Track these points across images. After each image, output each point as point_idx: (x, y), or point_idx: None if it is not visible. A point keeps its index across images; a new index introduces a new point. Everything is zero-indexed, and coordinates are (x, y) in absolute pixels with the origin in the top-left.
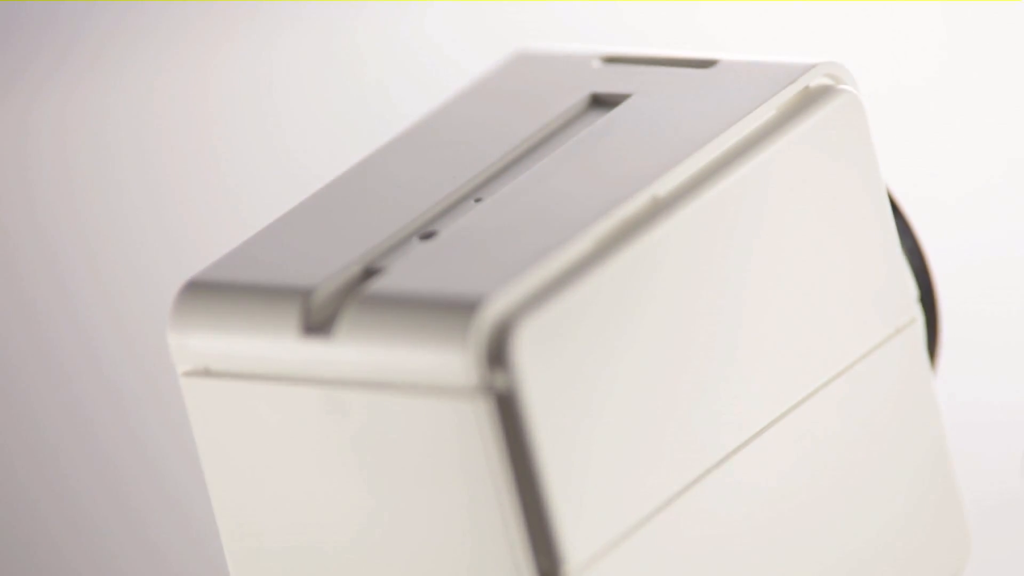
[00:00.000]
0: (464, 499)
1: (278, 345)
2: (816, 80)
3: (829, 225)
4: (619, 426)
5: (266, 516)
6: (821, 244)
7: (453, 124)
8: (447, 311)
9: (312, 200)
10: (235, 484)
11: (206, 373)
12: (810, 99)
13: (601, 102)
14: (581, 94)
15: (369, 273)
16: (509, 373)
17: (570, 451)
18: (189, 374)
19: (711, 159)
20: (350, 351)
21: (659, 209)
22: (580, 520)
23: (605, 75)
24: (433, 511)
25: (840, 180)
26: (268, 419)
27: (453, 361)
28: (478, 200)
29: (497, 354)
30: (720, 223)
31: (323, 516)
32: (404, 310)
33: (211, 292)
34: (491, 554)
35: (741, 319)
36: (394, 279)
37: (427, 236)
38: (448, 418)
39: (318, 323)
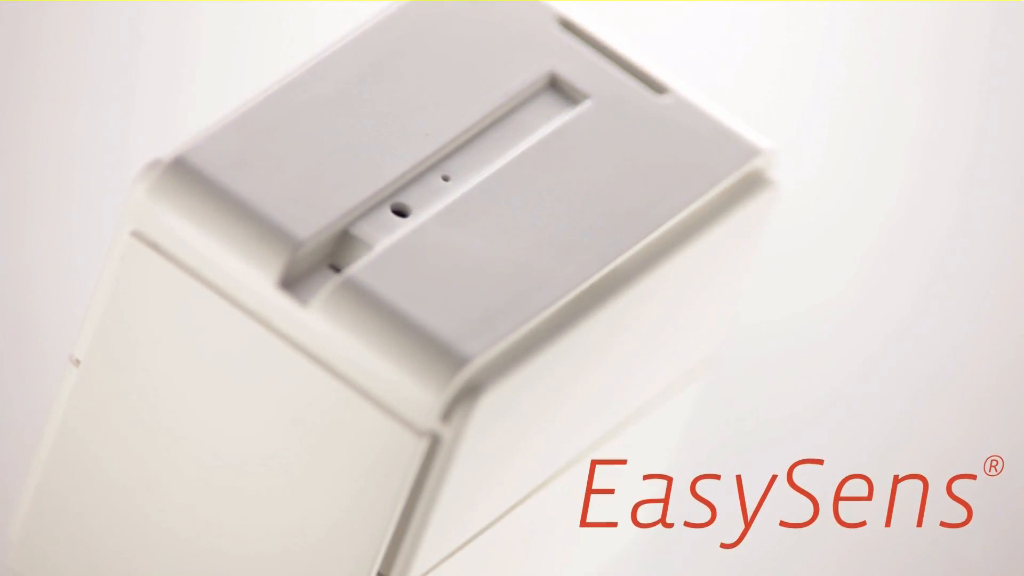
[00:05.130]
0: (351, 493)
1: (248, 278)
2: (755, 164)
3: (712, 293)
4: (510, 480)
5: (128, 405)
6: (700, 305)
7: (410, 59)
8: (429, 351)
9: (289, 96)
10: (118, 358)
11: (155, 246)
12: (747, 186)
13: (558, 89)
14: (540, 69)
15: (351, 241)
16: (458, 431)
17: (464, 498)
18: (137, 235)
19: (658, 239)
20: (317, 326)
21: (613, 286)
22: (432, 549)
23: (563, 52)
24: (311, 483)
25: (741, 257)
26: (197, 322)
27: (418, 397)
28: (446, 178)
29: (458, 413)
30: (654, 300)
31: (186, 433)
32: (384, 321)
33: (202, 182)
34: (344, 550)
35: (626, 376)
36: (378, 270)
37: (400, 211)
38: (383, 431)
39: (295, 280)
